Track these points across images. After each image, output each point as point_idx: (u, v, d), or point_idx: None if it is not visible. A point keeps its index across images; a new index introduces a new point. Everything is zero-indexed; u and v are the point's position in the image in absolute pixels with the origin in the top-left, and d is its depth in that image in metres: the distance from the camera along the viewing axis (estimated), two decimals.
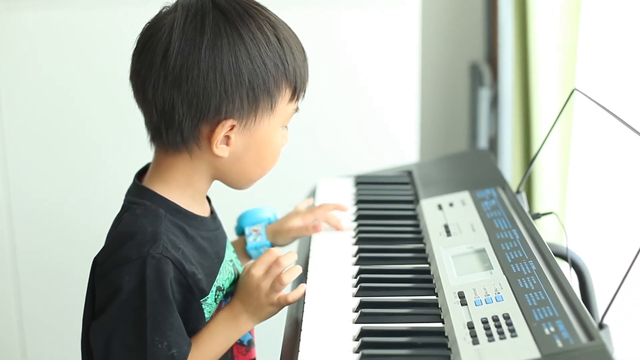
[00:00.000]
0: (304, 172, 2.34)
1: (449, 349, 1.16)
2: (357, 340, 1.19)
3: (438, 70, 2.84)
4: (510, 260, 1.35)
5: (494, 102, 2.51)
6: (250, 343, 1.46)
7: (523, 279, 1.28)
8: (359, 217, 1.66)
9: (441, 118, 2.88)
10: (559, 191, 2.34)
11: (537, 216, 1.60)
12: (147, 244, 1.23)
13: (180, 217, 1.30)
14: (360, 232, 1.58)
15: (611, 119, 1.45)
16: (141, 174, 1.36)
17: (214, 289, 1.33)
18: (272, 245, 1.60)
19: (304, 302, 1.31)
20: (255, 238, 1.60)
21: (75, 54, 2.37)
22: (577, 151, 2.39)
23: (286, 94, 1.31)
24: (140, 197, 1.30)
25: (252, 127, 1.29)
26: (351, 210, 1.70)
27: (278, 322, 1.41)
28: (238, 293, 1.35)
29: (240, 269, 1.45)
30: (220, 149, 1.28)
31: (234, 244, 1.64)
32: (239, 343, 1.43)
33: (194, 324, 1.29)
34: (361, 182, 1.86)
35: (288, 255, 1.34)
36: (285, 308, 1.35)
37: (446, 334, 1.20)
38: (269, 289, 1.31)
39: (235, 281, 1.40)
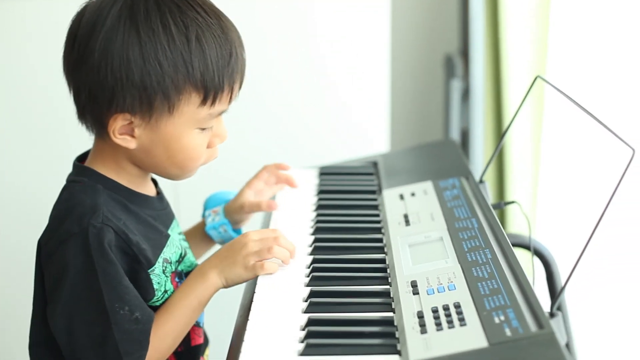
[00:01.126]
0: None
1: (397, 339, 1.13)
2: (303, 329, 1.16)
3: (412, 62, 2.82)
4: (466, 249, 1.33)
5: (466, 94, 2.49)
6: (202, 325, 1.43)
7: (477, 267, 1.26)
8: (318, 207, 1.63)
9: (415, 110, 2.85)
10: (531, 181, 2.31)
11: (498, 206, 1.58)
12: (87, 215, 1.22)
13: (121, 193, 1.29)
14: (318, 221, 1.55)
15: (578, 109, 1.42)
16: (84, 158, 1.35)
17: (160, 260, 1.31)
18: (231, 224, 1.57)
19: (254, 292, 1.28)
20: (214, 218, 1.57)
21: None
22: (549, 141, 2.37)
23: (193, 97, 1.24)
24: (79, 175, 1.30)
25: (153, 124, 1.25)
26: (312, 200, 1.67)
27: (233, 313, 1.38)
28: (219, 249, 1.34)
29: (190, 255, 1.43)
30: (122, 139, 1.25)
31: (195, 229, 1.61)
32: (196, 325, 1.40)
33: (144, 294, 1.27)
34: (325, 172, 1.83)
35: (290, 241, 1.34)
36: (240, 292, 1.32)
37: (395, 324, 1.17)
38: (253, 251, 1.29)
39: (183, 258, 1.38)
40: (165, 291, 1.32)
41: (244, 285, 1.35)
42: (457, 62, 2.56)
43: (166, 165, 1.30)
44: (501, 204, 1.60)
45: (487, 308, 1.13)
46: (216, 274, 1.30)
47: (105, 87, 1.21)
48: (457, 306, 1.16)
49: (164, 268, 1.32)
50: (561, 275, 1.79)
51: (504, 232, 1.38)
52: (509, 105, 2.29)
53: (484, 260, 1.28)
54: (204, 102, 1.25)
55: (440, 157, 1.83)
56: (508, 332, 1.06)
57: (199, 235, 1.60)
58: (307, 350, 1.11)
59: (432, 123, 2.81)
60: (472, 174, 1.67)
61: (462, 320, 1.12)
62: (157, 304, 1.31)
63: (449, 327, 1.11)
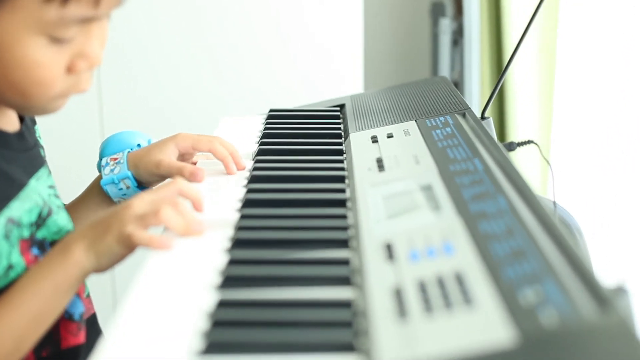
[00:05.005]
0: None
1: (354, 330, 0.68)
2: (210, 317, 0.71)
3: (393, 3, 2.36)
4: (468, 198, 0.88)
5: (457, 37, 2.03)
6: (82, 319, 0.98)
7: (487, 220, 0.81)
8: (258, 153, 1.17)
9: (394, 56, 2.40)
10: (540, 121, 1.85)
11: (511, 146, 1.13)
12: None
13: None
14: (255, 170, 1.10)
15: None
16: None
17: (1, 218, 0.88)
18: (135, 179, 1.12)
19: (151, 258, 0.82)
20: (113, 169, 1.11)
21: None
22: (564, 70, 1.90)
23: None
24: None
25: None
26: (253, 148, 1.22)
27: None
28: (98, 215, 0.93)
29: (60, 216, 0.98)
30: None
31: (89, 189, 1.16)
32: (68, 318, 0.96)
33: None
34: (273, 117, 1.38)
35: (197, 192, 0.93)
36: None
37: (353, 307, 0.72)
38: (136, 217, 0.86)
39: (45, 220, 0.94)
40: (10, 266, 0.88)
41: None
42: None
43: (1, 86, 0.86)
44: (513, 145, 1.15)
45: (509, 279, 0.69)
46: (83, 249, 0.86)
47: None
48: (460, 277, 0.71)
49: (6, 231, 0.87)
50: (590, 250, 1.34)
51: (523, 175, 0.93)
52: (511, 46, 1.83)
53: (496, 210, 0.83)
54: None
55: (427, 95, 1.38)
56: (547, 318, 0.62)
57: (95, 194, 1.14)
58: (211, 348, 0.67)
59: (416, 72, 2.34)
60: (471, 109, 1.22)
61: (468, 301, 0.67)
62: None
63: (446, 310, 0.66)
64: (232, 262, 0.81)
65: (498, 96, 1.91)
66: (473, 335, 0.62)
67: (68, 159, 2.02)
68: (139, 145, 1.17)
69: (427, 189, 0.94)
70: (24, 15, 0.82)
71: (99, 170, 1.14)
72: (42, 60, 0.84)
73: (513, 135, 1.85)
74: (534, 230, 0.78)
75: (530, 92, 1.85)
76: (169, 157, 1.12)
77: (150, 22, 2.05)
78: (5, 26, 0.82)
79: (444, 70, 2.06)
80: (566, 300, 0.64)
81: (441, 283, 0.71)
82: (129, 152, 1.14)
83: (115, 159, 1.13)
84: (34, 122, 1.04)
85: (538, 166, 1.89)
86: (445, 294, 0.69)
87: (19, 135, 0.96)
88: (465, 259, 0.74)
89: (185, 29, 2.05)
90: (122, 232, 0.85)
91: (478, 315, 0.65)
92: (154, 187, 1.12)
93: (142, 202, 0.88)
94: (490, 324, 0.63)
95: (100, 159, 1.15)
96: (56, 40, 0.84)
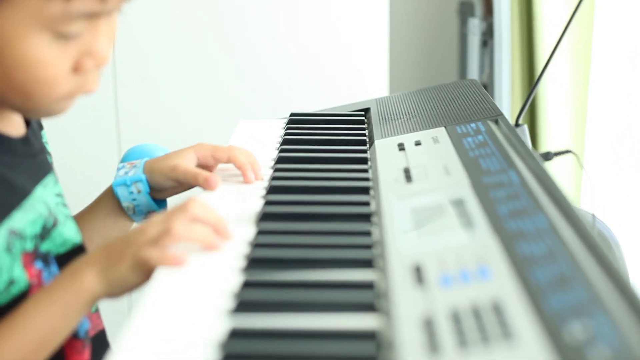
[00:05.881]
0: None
1: None
2: (221, 350, 0.65)
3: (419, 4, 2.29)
4: (504, 215, 0.81)
5: (487, 37, 1.95)
6: (87, 336, 0.93)
7: (525, 241, 0.74)
8: (278, 161, 1.11)
9: (420, 58, 2.32)
10: (573, 128, 1.77)
11: (547, 156, 1.06)
12: None
13: None
14: (274, 179, 1.03)
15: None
16: None
17: (2, 230, 0.82)
18: (148, 183, 1.06)
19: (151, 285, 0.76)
20: (127, 172, 1.06)
21: None
22: (599, 75, 1.80)
23: None
24: None
25: None
26: (271, 155, 1.15)
27: None
28: (114, 239, 0.86)
29: (67, 227, 0.92)
30: None
31: (102, 195, 1.10)
32: (73, 336, 0.90)
33: None
34: (294, 121, 1.31)
35: (213, 211, 0.85)
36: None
37: (378, 337, 0.65)
38: (150, 241, 0.80)
39: (50, 231, 0.88)
40: (12, 281, 0.82)
41: None
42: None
43: (2, 86, 0.80)
44: (549, 155, 1.07)
45: (552, 310, 0.62)
46: (94, 274, 0.80)
47: None
48: (497, 307, 0.64)
49: (8, 243, 0.81)
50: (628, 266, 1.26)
51: (562, 189, 0.86)
52: (544, 47, 1.75)
53: (535, 229, 0.76)
54: None
55: (457, 99, 1.31)
56: (597, 358, 0.55)
57: (106, 201, 1.08)
58: None
59: (443, 74, 2.27)
60: (504, 115, 1.15)
61: (507, 334, 0.60)
62: (0, 302, 0.81)
63: (483, 345, 0.59)
64: (247, 285, 0.74)
65: (530, 106, 1.83)
66: None
67: (82, 166, 1.97)
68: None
69: (459, 204, 0.87)
70: (26, 10, 0.76)
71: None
72: (46, 57, 0.78)
73: (544, 144, 1.77)
74: (578, 254, 0.71)
75: (563, 97, 1.77)
76: (186, 162, 1.06)
77: (167, 22, 1.99)
78: (6, 21, 0.76)
79: (473, 72, 1.99)
80: (618, 336, 0.57)
81: (477, 313, 0.64)
82: (147, 159, 1.08)
83: (133, 163, 1.08)
84: (41, 127, 0.98)
85: (570, 176, 1.81)
86: (481, 326, 0.62)
87: (24, 140, 0.90)
88: (503, 285, 0.67)
89: (205, 28, 1.99)
90: (137, 258, 0.79)
91: (519, 352, 0.58)
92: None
93: (154, 224, 0.82)
94: None
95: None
96: (61, 36, 0.78)
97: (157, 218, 0.83)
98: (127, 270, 0.80)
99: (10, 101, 0.82)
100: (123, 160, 1.14)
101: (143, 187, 1.05)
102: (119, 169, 1.07)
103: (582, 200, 1.81)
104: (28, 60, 0.78)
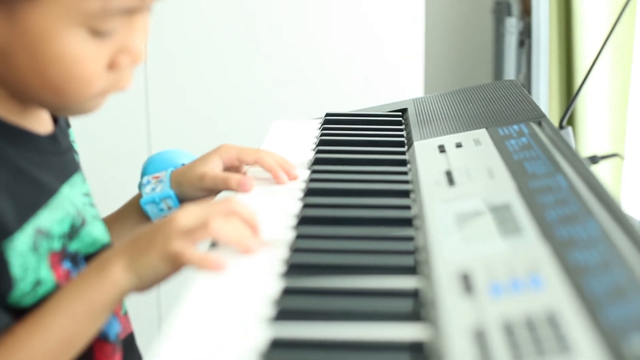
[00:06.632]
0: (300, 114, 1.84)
1: None
2: (263, 357, 0.62)
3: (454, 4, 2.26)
4: (553, 221, 0.78)
5: (524, 37, 1.91)
6: (118, 339, 0.91)
7: (578, 248, 0.71)
8: (314, 162, 1.08)
9: (456, 58, 2.28)
10: (612, 130, 1.72)
11: (594, 160, 1.02)
12: None
13: None
14: (311, 181, 1.01)
15: None
16: None
17: (28, 228, 0.80)
18: (178, 198, 1.04)
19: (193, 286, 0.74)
20: (154, 187, 1.03)
21: None
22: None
23: None
24: None
25: (10, 10, 0.74)
26: (308, 156, 1.13)
27: None
28: (140, 229, 0.85)
29: (95, 227, 0.90)
30: None
31: (128, 206, 1.08)
32: (103, 339, 0.89)
33: None
34: (329, 121, 1.28)
35: (252, 212, 0.82)
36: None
37: (426, 348, 0.63)
38: (183, 232, 0.78)
39: (78, 231, 0.87)
40: (38, 282, 0.80)
41: None
42: None
43: (34, 83, 0.79)
44: (596, 158, 1.04)
45: (610, 323, 0.59)
46: (122, 267, 0.78)
47: None
48: (552, 319, 0.61)
49: (34, 242, 0.79)
50: None
51: (612, 194, 0.83)
52: (583, 47, 1.71)
53: (587, 236, 0.73)
54: None
55: (497, 100, 1.28)
56: None
57: (133, 214, 1.06)
58: None
59: (478, 74, 2.23)
60: (548, 117, 1.12)
61: (563, 346, 0.57)
62: (26, 303, 0.79)
63: (539, 358, 0.57)
64: (288, 292, 0.72)
65: (566, 103, 1.79)
66: None
67: (112, 166, 1.96)
68: (183, 164, 1.09)
69: (505, 209, 0.84)
70: (63, 6, 0.74)
71: (140, 189, 1.06)
72: (82, 54, 0.77)
73: (584, 146, 1.74)
74: (633, 263, 0.67)
75: (603, 99, 1.73)
76: (212, 169, 1.03)
77: (199, 21, 1.97)
78: (42, 17, 0.74)
79: (509, 72, 1.95)
80: None
81: (530, 325, 0.61)
82: (172, 170, 1.06)
83: (157, 177, 1.05)
84: (68, 125, 0.97)
85: (608, 179, 1.77)
86: (536, 338, 0.59)
87: (52, 137, 0.88)
88: (556, 295, 0.64)
89: (237, 28, 1.97)
90: (167, 249, 0.77)
91: None
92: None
93: (188, 214, 0.80)
94: None
95: (142, 178, 1.07)
96: (97, 33, 0.76)
97: (193, 207, 0.80)
98: (156, 261, 0.77)
99: (41, 98, 0.81)
100: (144, 170, 1.11)
101: (173, 203, 1.03)
102: (144, 185, 1.05)
103: (623, 206, 1.77)
104: (64, 57, 0.76)
